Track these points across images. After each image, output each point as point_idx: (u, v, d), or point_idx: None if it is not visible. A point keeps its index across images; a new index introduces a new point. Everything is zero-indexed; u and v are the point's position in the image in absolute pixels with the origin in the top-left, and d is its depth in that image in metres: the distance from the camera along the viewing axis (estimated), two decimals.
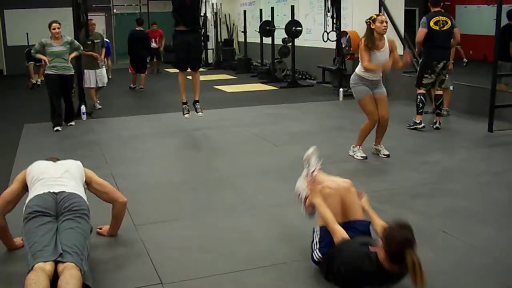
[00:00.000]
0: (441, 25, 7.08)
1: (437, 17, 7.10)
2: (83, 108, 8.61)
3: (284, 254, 3.54)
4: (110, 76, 14.40)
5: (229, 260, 3.49)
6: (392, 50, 5.73)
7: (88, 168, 3.79)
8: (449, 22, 7.11)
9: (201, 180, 5.38)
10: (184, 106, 7.55)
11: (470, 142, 6.63)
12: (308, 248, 3.35)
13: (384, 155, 5.92)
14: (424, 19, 7.27)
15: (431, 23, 7.09)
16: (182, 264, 3.46)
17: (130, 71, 12.64)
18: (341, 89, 10.04)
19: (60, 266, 2.93)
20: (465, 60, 8.48)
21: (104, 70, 9.86)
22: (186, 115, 7.52)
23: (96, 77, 9.55)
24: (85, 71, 9.35)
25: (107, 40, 14.91)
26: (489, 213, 4.27)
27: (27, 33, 15.24)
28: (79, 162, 3.78)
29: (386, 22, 5.64)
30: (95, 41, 9.55)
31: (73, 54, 7.89)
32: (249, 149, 6.52)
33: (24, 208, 3.29)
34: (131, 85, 12.49)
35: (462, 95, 8.32)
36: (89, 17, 9.62)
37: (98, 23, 17.46)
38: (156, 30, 14.46)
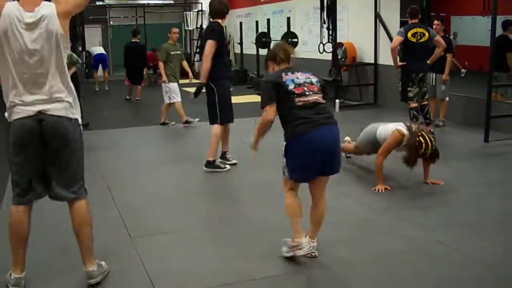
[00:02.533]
0: (419, 37, 7.06)
1: (415, 29, 7.08)
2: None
3: (283, 267, 3.52)
4: (106, 88, 14.47)
5: (227, 272, 3.46)
6: None
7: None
8: (427, 34, 7.08)
9: (198, 192, 5.37)
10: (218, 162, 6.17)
11: (466, 153, 6.64)
12: (304, 261, 3.33)
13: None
14: (401, 29, 7.28)
15: (409, 35, 7.06)
16: (179, 277, 3.43)
17: (126, 83, 12.66)
18: (337, 100, 10.05)
19: None
20: (463, 70, 8.49)
21: (176, 84, 9.05)
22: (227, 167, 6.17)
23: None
24: (170, 84, 8.85)
25: (103, 52, 14.98)
26: (485, 223, 4.28)
27: None
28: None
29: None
30: (177, 52, 9.13)
31: (73, 70, 7.31)
32: (244, 160, 6.49)
33: None
34: (127, 97, 12.49)
35: (458, 106, 8.34)
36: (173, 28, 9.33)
37: (94, 35, 17.58)
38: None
